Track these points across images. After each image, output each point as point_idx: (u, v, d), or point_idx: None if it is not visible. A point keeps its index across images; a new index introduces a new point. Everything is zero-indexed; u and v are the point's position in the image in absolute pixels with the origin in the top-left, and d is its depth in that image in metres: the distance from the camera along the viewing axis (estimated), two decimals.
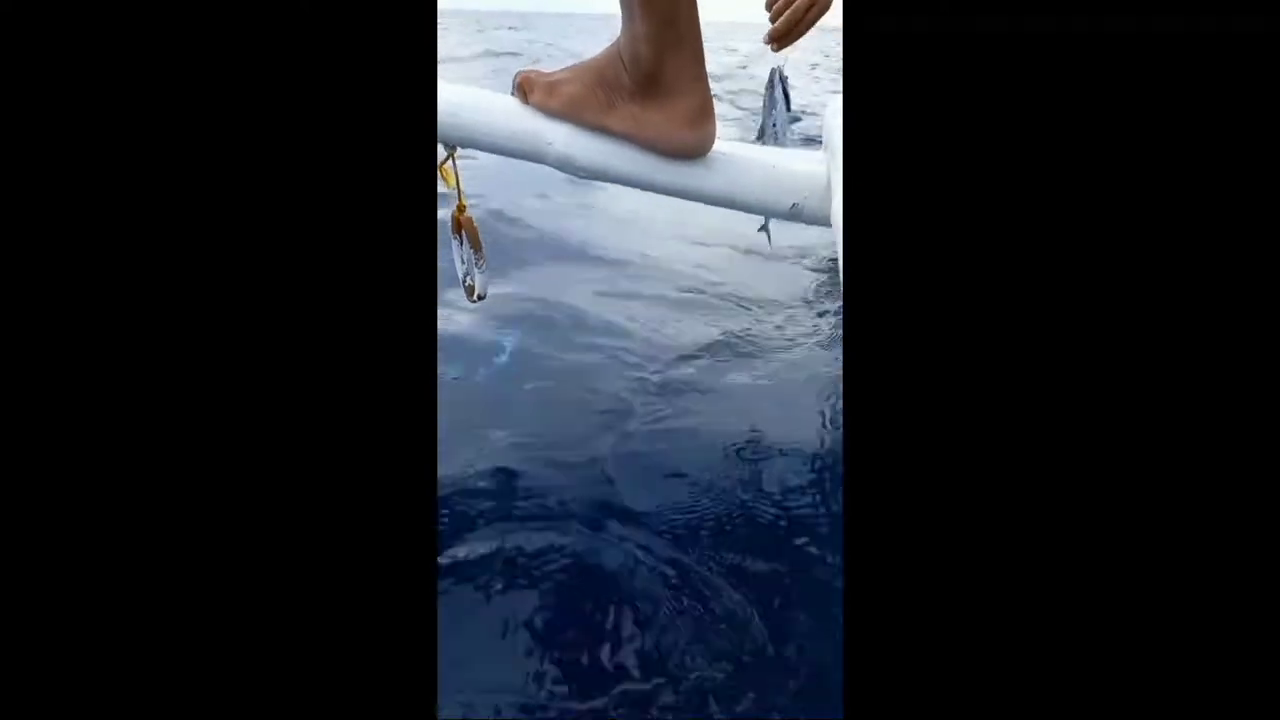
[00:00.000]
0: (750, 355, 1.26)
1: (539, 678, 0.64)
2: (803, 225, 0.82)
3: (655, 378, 1.16)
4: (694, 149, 0.76)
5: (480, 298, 0.91)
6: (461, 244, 0.86)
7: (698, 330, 1.35)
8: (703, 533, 0.82)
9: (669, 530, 0.82)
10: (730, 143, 0.81)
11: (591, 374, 1.17)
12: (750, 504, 0.87)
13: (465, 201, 0.83)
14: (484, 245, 0.87)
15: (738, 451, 0.98)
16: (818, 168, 0.80)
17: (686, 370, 1.19)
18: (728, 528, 0.83)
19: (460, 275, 0.89)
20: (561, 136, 0.77)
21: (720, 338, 1.31)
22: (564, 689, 0.63)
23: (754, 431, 1.02)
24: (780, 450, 0.98)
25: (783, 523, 0.84)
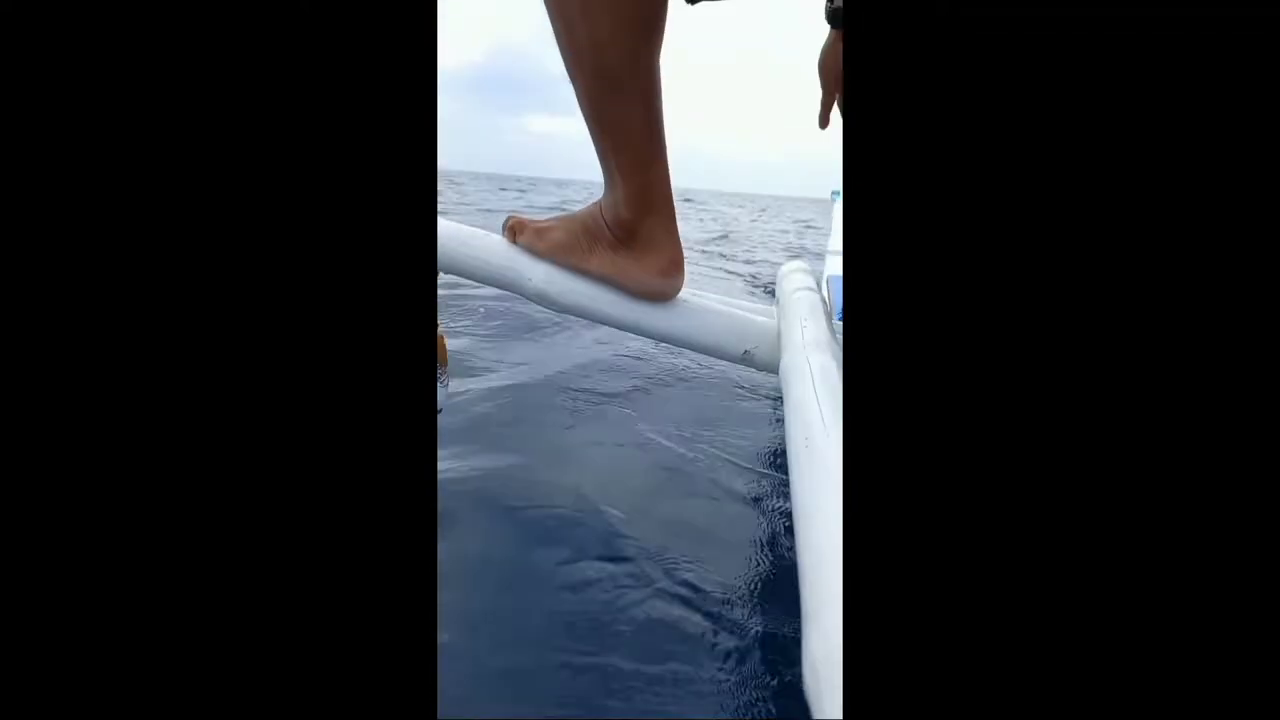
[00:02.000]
0: None
1: None
2: None
3: None
4: (665, 295, 0.84)
5: (437, 410, 0.95)
6: None
7: None
8: None
9: None
10: (694, 292, 0.89)
11: None
12: None
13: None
14: (449, 360, 0.92)
15: None
16: (769, 321, 0.88)
17: None
18: None
19: None
20: (540, 274, 0.85)
21: None
22: None
23: None
24: None
25: None
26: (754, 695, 0.62)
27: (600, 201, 0.82)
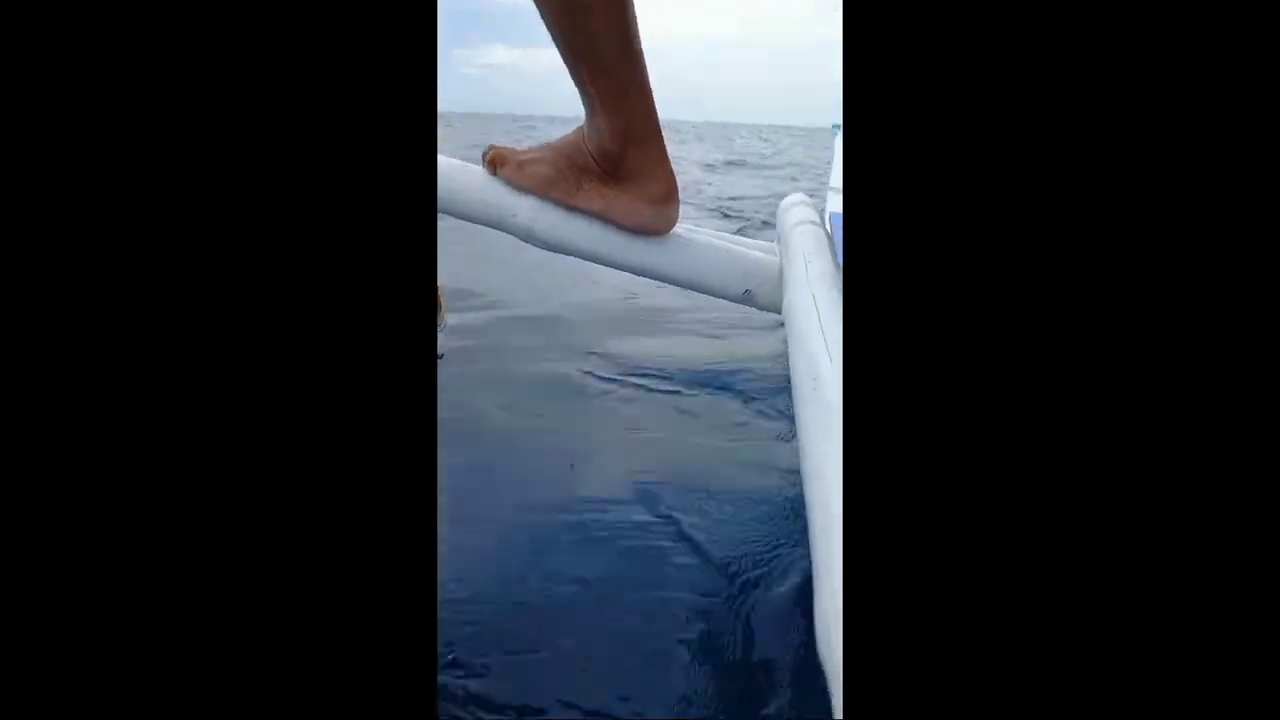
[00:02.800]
0: None
1: None
2: None
3: None
4: (659, 228, 0.79)
5: (439, 356, 0.92)
6: None
7: None
8: None
9: None
10: (690, 227, 0.85)
11: None
12: None
13: None
14: (445, 305, 0.88)
15: None
16: (771, 258, 0.84)
17: None
18: None
19: None
20: (526, 210, 0.80)
21: None
22: None
23: None
24: None
25: None
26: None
27: (583, 129, 0.77)
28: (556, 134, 0.82)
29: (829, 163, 2.30)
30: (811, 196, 1.10)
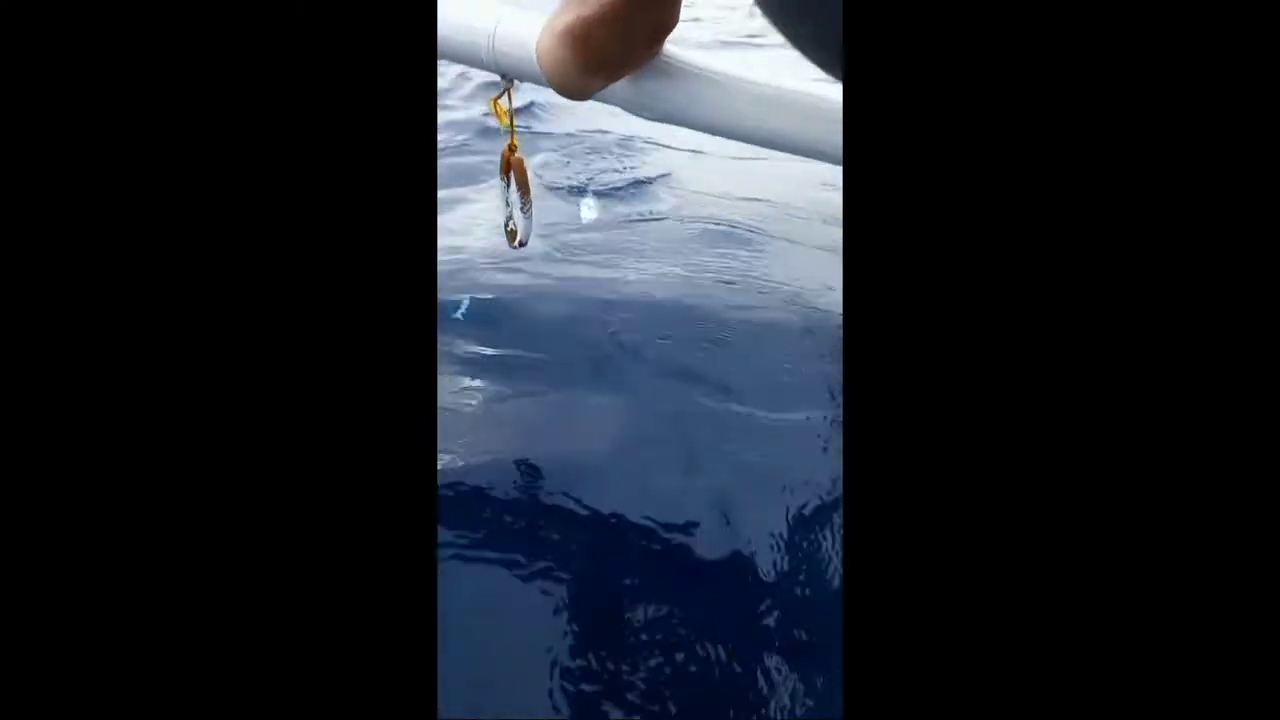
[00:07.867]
0: None
1: None
2: None
3: None
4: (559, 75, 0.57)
5: (522, 244, 0.87)
6: (509, 186, 0.81)
7: None
8: None
9: None
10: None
11: None
12: None
13: (517, 141, 0.78)
14: (533, 190, 0.81)
15: None
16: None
17: None
18: None
19: (504, 219, 0.84)
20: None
21: None
22: None
23: None
24: None
25: None
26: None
27: None
28: None
29: None
30: None
